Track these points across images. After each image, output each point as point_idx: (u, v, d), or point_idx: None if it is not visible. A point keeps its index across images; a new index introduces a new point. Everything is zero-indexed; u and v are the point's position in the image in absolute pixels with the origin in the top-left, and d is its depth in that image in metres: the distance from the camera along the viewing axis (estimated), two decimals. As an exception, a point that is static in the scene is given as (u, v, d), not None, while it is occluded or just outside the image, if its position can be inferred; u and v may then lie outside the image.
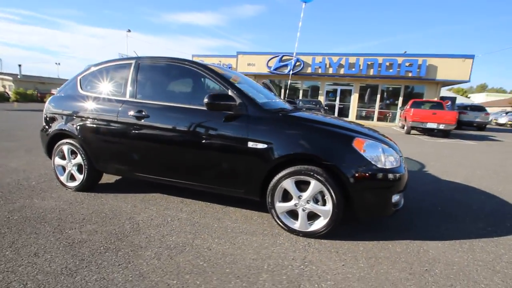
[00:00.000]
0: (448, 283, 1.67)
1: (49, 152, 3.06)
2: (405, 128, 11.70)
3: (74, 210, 2.48)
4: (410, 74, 15.59)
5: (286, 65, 18.09)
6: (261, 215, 2.53)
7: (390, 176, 1.98)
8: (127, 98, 2.63)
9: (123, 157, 2.66)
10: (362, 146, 2.00)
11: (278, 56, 18.42)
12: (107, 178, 3.36)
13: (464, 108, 16.06)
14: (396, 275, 1.73)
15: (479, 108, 16.06)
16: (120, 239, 2.02)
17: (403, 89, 17.07)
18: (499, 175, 4.62)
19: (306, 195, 2.07)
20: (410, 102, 12.52)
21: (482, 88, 76.11)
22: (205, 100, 2.13)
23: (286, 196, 2.19)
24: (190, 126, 2.34)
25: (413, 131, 11.67)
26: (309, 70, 17.69)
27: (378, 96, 17.63)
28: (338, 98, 18.58)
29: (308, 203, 2.08)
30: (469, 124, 15.52)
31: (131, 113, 2.53)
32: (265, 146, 2.11)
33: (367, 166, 1.96)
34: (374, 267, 1.81)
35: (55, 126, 2.93)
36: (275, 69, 18.42)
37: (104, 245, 1.93)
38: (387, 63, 15.86)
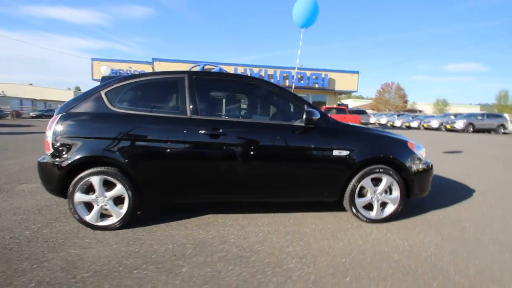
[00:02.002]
0: (485, 229, 2.53)
1: (63, 188, 2.39)
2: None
3: (148, 250, 2.11)
4: (316, 85, 18.71)
5: (209, 75, 18.27)
6: (327, 215, 2.85)
7: (429, 165, 2.74)
8: (189, 115, 2.44)
9: (191, 180, 2.44)
10: (414, 146, 2.69)
11: (199, 65, 18.29)
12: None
13: (353, 112, 20.55)
14: (459, 234, 2.46)
15: (363, 112, 20.92)
16: (247, 262, 1.95)
17: (311, 98, 20.21)
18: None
19: (380, 188, 2.58)
20: (323, 108, 15.09)
21: (348, 96, 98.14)
22: (305, 116, 2.34)
23: (360, 192, 2.62)
24: (276, 142, 2.45)
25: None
26: (232, 80, 18.43)
27: (292, 104, 20.17)
28: (259, 106, 20.12)
29: (381, 195, 2.60)
30: (358, 124, 20.03)
31: (203, 131, 2.38)
32: (348, 152, 2.49)
33: (419, 160, 2.65)
34: (440, 232, 2.48)
35: (77, 153, 2.32)
36: (198, 79, 18.25)
37: (242, 271, 1.83)
38: (299, 76, 18.48)
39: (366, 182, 2.55)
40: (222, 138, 2.40)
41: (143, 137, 2.38)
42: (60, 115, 2.42)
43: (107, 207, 2.42)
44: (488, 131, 18.51)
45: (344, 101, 70.86)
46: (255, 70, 18.37)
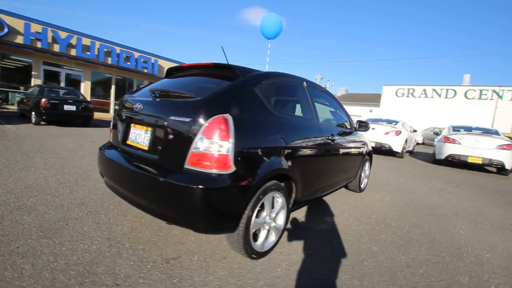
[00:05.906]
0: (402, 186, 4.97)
1: (238, 216, 1.76)
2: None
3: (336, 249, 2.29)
4: (145, 70, 17.19)
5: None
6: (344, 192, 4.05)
7: (368, 153, 4.79)
8: (321, 122, 2.68)
9: (320, 180, 2.70)
10: (369, 142, 4.57)
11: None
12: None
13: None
14: (399, 191, 4.66)
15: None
16: (376, 223, 2.80)
17: (135, 82, 18.20)
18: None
19: (366, 169, 4.22)
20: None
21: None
22: (360, 123, 3.38)
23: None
24: (349, 142, 3.30)
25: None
26: (19, 40, 12.32)
27: (113, 87, 17.10)
28: (63, 84, 15.03)
29: (365, 173, 4.25)
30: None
31: (329, 138, 2.72)
32: (365, 148, 3.87)
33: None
34: (393, 192, 4.57)
35: (263, 169, 1.84)
36: None
37: (392, 225, 2.71)
38: (125, 55, 16.04)
39: (363, 167, 4.09)
40: (334, 143, 2.87)
41: (303, 145, 2.32)
42: (229, 117, 1.69)
43: (271, 227, 2.10)
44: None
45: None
46: (62, 34, 13.45)
